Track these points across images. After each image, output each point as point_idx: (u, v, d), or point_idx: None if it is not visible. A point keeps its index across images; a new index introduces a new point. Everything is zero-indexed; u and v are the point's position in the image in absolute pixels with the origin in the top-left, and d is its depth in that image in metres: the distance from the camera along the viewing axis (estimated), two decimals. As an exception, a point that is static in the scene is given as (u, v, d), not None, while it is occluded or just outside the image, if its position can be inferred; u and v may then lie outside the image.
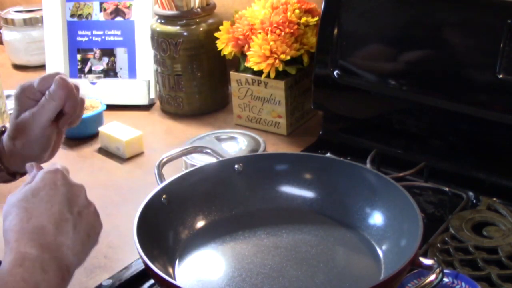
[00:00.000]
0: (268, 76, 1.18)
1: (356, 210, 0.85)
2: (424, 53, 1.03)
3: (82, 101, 0.84)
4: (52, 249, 0.62)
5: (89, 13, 1.49)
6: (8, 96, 1.28)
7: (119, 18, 1.47)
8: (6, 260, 0.60)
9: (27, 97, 0.81)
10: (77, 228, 0.67)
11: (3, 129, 0.86)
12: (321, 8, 1.12)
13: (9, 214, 0.64)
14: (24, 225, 0.63)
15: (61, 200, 0.67)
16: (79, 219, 0.68)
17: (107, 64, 1.46)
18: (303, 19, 1.19)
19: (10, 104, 1.15)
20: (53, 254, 0.62)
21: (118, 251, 0.92)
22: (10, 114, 0.85)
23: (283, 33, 1.16)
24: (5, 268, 0.59)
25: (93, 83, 1.42)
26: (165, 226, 0.82)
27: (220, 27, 1.26)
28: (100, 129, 1.23)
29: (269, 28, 1.17)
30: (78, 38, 1.49)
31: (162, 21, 1.31)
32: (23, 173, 0.86)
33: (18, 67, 1.71)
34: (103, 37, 1.47)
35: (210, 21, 1.31)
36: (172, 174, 0.87)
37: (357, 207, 0.85)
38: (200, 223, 0.86)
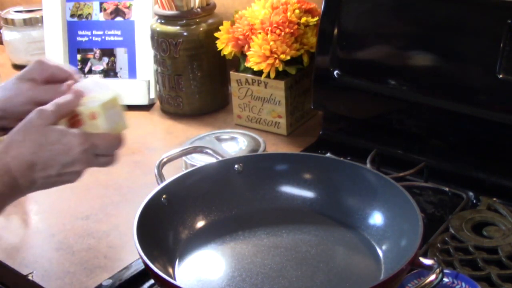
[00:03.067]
0: (268, 76, 1.18)
1: (356, 210, 0.85)
2: (424, 53, 1.03)
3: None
4: (27, 181, 0.73)
5: (89, 13, 1.49)
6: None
7: (119, 18, 1.47)
8: None
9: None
10: (51, 181, 0.75)
11: None
12: (321, 8, 1.12)
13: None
14: (21, 155, 0.71)
15: (60, 161, 0.73)
16: (59, 177, 0.75)
17: (107, 64, 1.46)
18: (303, 19, 1.19)
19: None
20: (24, 184, 0.73)
21: (118, 251, 0.92)
22: None
23: (283, 33, 1.16)
24: None
25: (93, 83, 1.42)
26: (165, 226, 0.82)
27: (220, 27, 1.26)
28: None
29: (269, 28, 1.17)
30: (78, 38, 1.49)
31: (162, 21, 1.31)
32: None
33: (18, 67, 1.70)
34: (103, 37, 1.47)
35: (210, 21, 1.31)
36: (172, 174, 0.87)
37: (357, 207, 0.85)
38: (200, 223, 0.86)
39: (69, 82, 0.79)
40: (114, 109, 0.77)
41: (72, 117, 0.75)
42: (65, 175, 0.75)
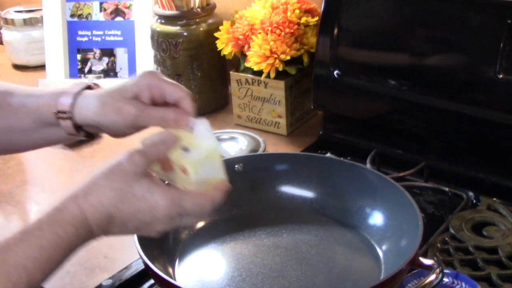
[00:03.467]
0: (268, 76, 1.18)
1: (356, 210, 0.85)
2: (424, 53, 1.03)
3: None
4: (103, 232, 0.64)
5: (89, 13, 1.49)
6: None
7: (119, 18, 1.47)
8: (65, 204, 0.61)
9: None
10: (128, 233, 0.66)
11: (91, 86, 0.76)
12: (321, 8, 1.12)
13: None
14: (101, 206, 0.62)
15: (142, 219, 0.65)
16: (136, 231, 0.67)
17: (107, 64, 1.47)
18: (303, 19, 1.19)
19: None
20: (100, 235, 0.64)
21: (118, 251, 0.92)
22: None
23: (283, 33, 1.16)
24: (60, 215, 0.60)
25: (93, 83, 1.42)
26: (165, 226, 0.82)
27: (220, 27, 1.26)
28: None
29: (269, 28, 1.17)
30: (78, 38, 1.49)
31: (162, 21, 1.31)
32: (90, 133, 0.76)
33: (18, 67, 1.70)
34: (103, 37, 1.47)
35: (210, 21, 1.31)
36: (172, 174, 0.86)
37: (357, 207, 0.85)
38: (200, 223, 0.86)
39: (177, 109, 0.70)
40: (210, 163, 0.67)
41: (164, 160, 0.67)
42: (143, 230, 0.66)
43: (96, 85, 0.76)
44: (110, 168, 0.64)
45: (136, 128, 0.71)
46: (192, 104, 0.71)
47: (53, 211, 0.61)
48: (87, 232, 0.62)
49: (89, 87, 0.74)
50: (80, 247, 0.62)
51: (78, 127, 0.73)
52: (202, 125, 0.69)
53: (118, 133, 0.73)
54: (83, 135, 0.74)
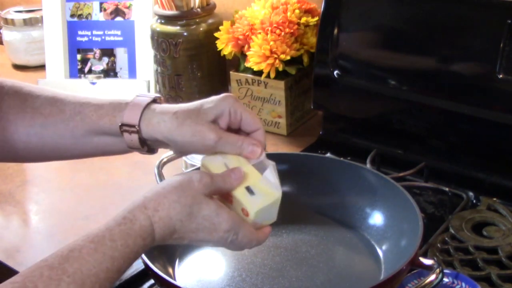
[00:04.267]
0: (268, 76, 1.18)
1: (356, 210, 0.85)
2: (424, 53, 1.03)
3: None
4: (164, 243, 0.65)
5: (89, 13, 1.49)
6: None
7: (119, 18, 1.47)
8: (136, 215, 0.62)
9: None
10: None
11: (156, 99, 0.73)
12: (321, 8, 1.12)
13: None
14: (169, 220, 0.63)
15: (200, 238, 0.66)
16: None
17: (107, 64, 1.46)
18: (303, 19, 1.19)
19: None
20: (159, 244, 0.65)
21: (118, 251, 0.92)
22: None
23: (283, 33, 1.16)
24: (131, 226, 0.61)
25: (93, 83, 1.42)
26: (165, 226, 0.81)
27: (220, 27, 1.26)
28: None
29: (269, 28, 1.17)
30: (78, 38, 1.49)
31: (162, 21, 1.31)
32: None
33: (18, 67, 1.70)
34: (103, 37, 1.47)
35: (210, 21, 1.31)
36: (172, 174, 0.86)
37: (357, 207, 0.85)
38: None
39: (252, 141, 0.69)
40: (270, 210, 0.68)
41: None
42: (193, 244, 0.68)
43: (160, 99, 0.73)
44: (181, 184, 0.64)
45: (209, 151, 0.70)
46: (265, 138, 0.72)
47: (124, 221, 0.61)
48: (151, 243, 0.63)
49: (154, 101, 0.72)
50: (139, 256, 0.64)
51: (143, 142, 0.72)
52: (271, 168, 0.70)
53: (186, 152, 0.74)
54: (146, 150, 0.73)
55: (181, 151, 0.74)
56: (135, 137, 0.71)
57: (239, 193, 0.67)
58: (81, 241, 0.59)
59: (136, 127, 0.70)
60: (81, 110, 0.73)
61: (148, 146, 0.73)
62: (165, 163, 0.88)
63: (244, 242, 0.67)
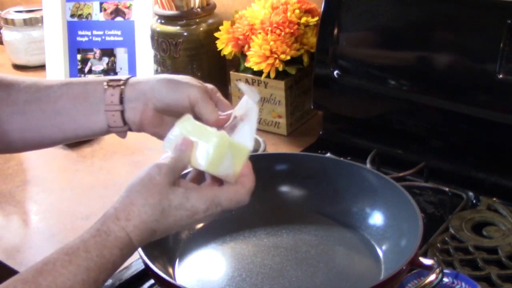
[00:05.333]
0: (268, 76, 1.18)
1: (356, 210, 0.85)
2: (424, 53, 1.03)
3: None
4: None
5: (89, 13, 1.49)
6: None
7: (119, 18, 1.47)
8: (110, 226, 0.63)
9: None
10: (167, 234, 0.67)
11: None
12: (321, 8, 1.12)
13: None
14: (143, 224, 0.64)
15: (182, 225, 0.66)
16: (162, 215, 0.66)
17: (107, 64, 1.46)
18: (303, 19, 1.19)
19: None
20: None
21: (118, 251, 0.92)
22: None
23: (283, 33, 1.16)
24: (107, 238, 0.62)
25: (93, 83, 1.42)
26: (165, 226, 0.81)
27: (220, 27, 1.26)
28: None
29: (269, 28, 1.17)
30: (78, 38, 1.49)
31: (162, 21, 1.31)
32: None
33: (18, 67, 1.70)
34: (103, 37, 1.47)
35: (210, 21, 1.31)
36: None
37: (357, 207, 0.85)
38: (200, 223, 0.86)
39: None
40: (220, 158, 0.67)
41: None
42: (185, 229, 0.70)
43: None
44: (143, 184, 0.64)
45: (188, 107, 0.72)
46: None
47: (98, 233, 0.62)
48: (130, 251, 0.63)
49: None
50: (122, 264, 0.64)
51: (121, 100, 0.74)
52: (245, 123, 0.73)
53: (163, 111, 0.74)
54: (120, 115, 0.74)
55: (158, 108, 0.74)
56: (117, 91, 0.73)
57: (194, 159, 0.67)
58: (56, 254, 0.59)
59: (123, 80, 0.74)
60: (68, 82, 0.77)
61: (123, 112, 0.74)
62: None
63: (233, 204, 0.67)
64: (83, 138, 0.81)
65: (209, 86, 0.76)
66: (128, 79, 0.75)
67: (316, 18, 1.20)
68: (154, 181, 0.64)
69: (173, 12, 1.30)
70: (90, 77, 0.80)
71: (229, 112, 0.73)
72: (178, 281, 0.76)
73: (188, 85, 0.73)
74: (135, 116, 0.75)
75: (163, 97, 0.73)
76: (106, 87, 0.74)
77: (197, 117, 0.72)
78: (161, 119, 0.75)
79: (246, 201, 0.68)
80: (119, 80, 0.75)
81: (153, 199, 0.63)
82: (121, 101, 0.74)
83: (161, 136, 0.73)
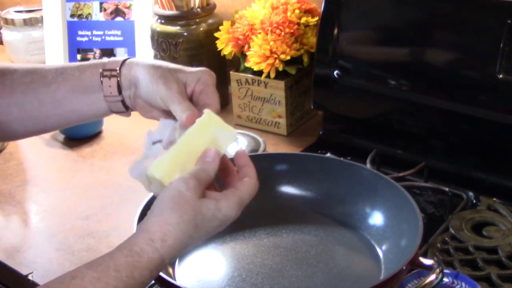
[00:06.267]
0: (268, 76, 1.18)
1: (356, 210, 0.85)
2: (424, 53, 1.03)
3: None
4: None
5: (89, 13, 1.49)
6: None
7: (119, 18, 1.47)
8: (142, 247, 0.61)
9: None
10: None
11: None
12: (321, 8, 1.12)
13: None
14: (179, 242, 0.62)
15: (209, 232, 0.66)
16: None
17: (107, 64, 1.46)
18: (303, 19, 1.19)
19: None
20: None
21: (118, 251, 0.92)
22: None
23: (283, 33, 1.16)
24: (138, 259, 0.60)
25: (93, 83, 1.42)
26: (165, 226, 0.81)
27: (220, 27, 1.26)
28: None
29: (269, 28, 1.17)
30: (78, 38, 1.49)
31: (162, 21, 1.31)
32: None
33: (18, 67, 1.70)
34: (103, 37, 1.48)
35: (210, 21, 1.31)
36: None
37: (357, 207, 0.85)
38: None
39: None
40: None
41: None
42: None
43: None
44: (174, 202, 0.63)
45: (161, 103, 0.72)
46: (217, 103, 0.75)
47: (130, 253, 0.60)
48: (159, 271, 0.62)
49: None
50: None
51: (120, 88, 0.75)
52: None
53: (148, 101, 0.74)
54: (121, 99, 0.76)
55: (146, 99, 0.75)
56: (114, 82, 0.74)
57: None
58: (84, 269, 0.58)
59: (117, 69, 0.74)
60: (63, 71, 0.77)
61: (123, 98, 0.75)
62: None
63: (252, 196, 0.68)
64: (87, 121, 0.82)
65: (198, 73, 0.75)
66: (122, 65, 0.75)
67: (316, 18, 1.20)
68: (185, 198, 0.63)
69: (173, 12, 1.30)
70: (85, 62, 0.79)
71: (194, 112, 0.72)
72: (178, 281, 0.76)
73: (159, 85, 0.72)
74: (131, 102, 0.76)
75: (144, 90, 0.74)
76: (102, 78, 0.75)
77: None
78: (151, 106, 0.76)
79: (257, 187, 0.69)
80: (114, 69, 0.75)
81: (187, 216, 0.62)
82: (120, 91, 0.75)
83: (156, 119, 0.75)
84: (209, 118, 0.69)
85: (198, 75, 0.75)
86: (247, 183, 0.67)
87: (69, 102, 0.76)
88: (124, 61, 0.76)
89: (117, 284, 0.58)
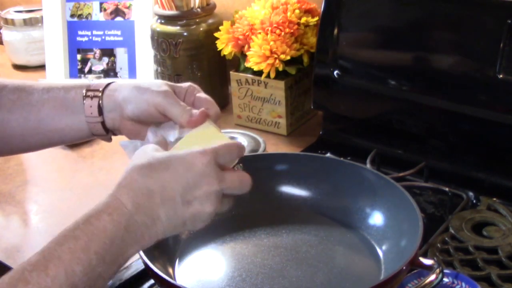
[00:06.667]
0: (268, 76, 1.18)
1: (356, 210, 0.85)
2: (424, 53, 1.03)
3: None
4: (147, 215, 0.61)
5: (89, 13, 1.49)
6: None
7: (119, 18, 1.47)
8: (100, 201, 0.61)
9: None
10: (178, 213, 0.63)
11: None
12: (321, 8, 1.12)
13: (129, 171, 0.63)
14: (134, 182, 0.61)
15: (182, 182, 0.62)
16: (186, 207, 0.63)
17: (107, 64, 1.47)
18: (303, 19, 1.19)
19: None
20: (144, 220, 0.61)
21: (118, 251, 0.92)
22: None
23: (283, 33, 1.16)
24: (96, 208, 0.60)
25: (93, 83, 1.42)
26: (165, 226, 0.81)
27: (220, 27, 1.26)
28: None
29: (269, 28, 1.17)
30: (78, 38, 1.49)
31: (162, 21, 1.31)
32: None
33: (18, 67, 1.71)
34: (103, 37, 1.48)
35: (210, 21, 1.31)
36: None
37: (357, 207, 0.85)
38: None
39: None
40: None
41: None
42: (193, 204, 0.63)
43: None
44: (133, 160, 0.64)
45: (155, 111, 0.72)
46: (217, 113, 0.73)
47: (88, 210, 0.61)
48: (122, 216, 0.60)
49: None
50: (129, 246, 0.60)
51: (100, 109, 0.75)
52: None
53: (137, 118, 0.74)
54: (101, 121, 0.76)
55: (133, 119, 0.75)
56: (95, 102, 0.75)
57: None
58: (53, 241, 0.60)
59: (100, 90, 0.75)
60: (49, 89, 0.77)
61: (104, 122, 0.76)
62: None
63: (231, 154, 0.66)
64: (69, 143, 0.82)
65: (184, 85, 0.75)
66: (106, 87, 0.76)
67: (316, 18, 1.20)
68: (143, 149, 0.65)
69: (173, 12, 1.30)
70: (73, 81, 0.80)
71: (202, 109, 0.72)
72: (178, 281, 0.76)
73: (150, 92, 0.72)
74: (114, 125, 0.76)
75: (133, 108, 0.74)
76: (84, 99, 0.76)
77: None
78: (140, 127, 0.76)
79: (241, 154, 0.67)
80: (97, 90, 0.76)
81: (139, 160, 0.63)
82: (100, 112, 0.75)
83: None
84: (208, 128, 0.69)
85: (185, 87, 0.75)
86: (229, 144, 0.67)
87: (51, 120, 0.77)
88: (109, 83, 0.76)
89: (75, 233, 0.59)
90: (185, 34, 1.29)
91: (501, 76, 0.94)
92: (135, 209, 0.60)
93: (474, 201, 0.96)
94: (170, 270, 0.77)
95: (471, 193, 0.97)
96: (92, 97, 0.75)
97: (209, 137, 0.69)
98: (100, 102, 0.75)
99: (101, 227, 0.59)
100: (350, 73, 1.10)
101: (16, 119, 0.77)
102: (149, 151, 0.65)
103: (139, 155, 0.64)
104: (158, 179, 0.61)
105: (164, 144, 0.70)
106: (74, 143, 1.21)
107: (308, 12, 1.22)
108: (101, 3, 1.48)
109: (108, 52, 1.47)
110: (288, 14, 1.18)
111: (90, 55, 1.48)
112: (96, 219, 0.59)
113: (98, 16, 1.48)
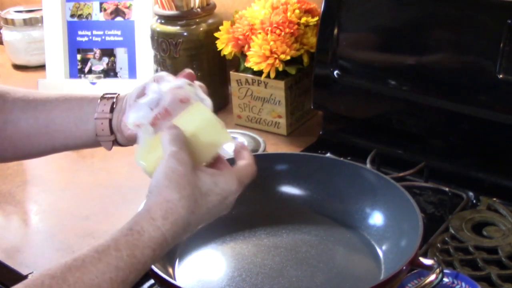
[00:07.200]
0: (268, 76, 1.18)
1: (356, 210, 0.85)
2: (424, 53, 1.03)
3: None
4: (175, 242, 0.63)
5: (89, 13, 1.49)
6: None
7: (119, 18, 1.47)
8: (144, 226, 0.60)
9: None
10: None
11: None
12: (321, 8, 1.12)
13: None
14: (180, 219, 0.62)
15: (214, 213, 0.66)
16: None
17: (107, 64, 1.46)
18: (303, 19, 1.19)
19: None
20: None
21: (118, 251, 0.92)
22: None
23: (283, 33, 1.16)
24: (140, 238, 0.59)
25: (93, 83, 1.42)
26: (165, 226, 0.81)
27: (220, 27, 1.26)
28: None
29: (269, 28, 1.17)
30: (78, 38, 1.49)
31: (162, 21, 1.31)
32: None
33: (18, 67, 1.70)
34: (103, 37, 1.47)
35: (210, 21, 1.31)
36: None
37: (357, 207, 0.85)
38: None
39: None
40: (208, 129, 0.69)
41: None
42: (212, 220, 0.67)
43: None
44: (169, 178, 0.62)
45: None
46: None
47: (130, 232, 0.59)
48: (163, 251, 0.61)
49: None
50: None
51: (112, 109, 0.78)
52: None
53: None
54: (109, 122, 0.77)
55: None
56: (109, 102, 0.78)
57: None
58: (86, 251, 0.58)
59: (118, 94, 0.79)
60: (67, 97, 0.80)
61: (111, 120, 0.77)
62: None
63: (250, 179, 0.69)
64: (71, 149, 0.82)
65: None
66: (120, 93, 0.79)
67: (316, 18, 1.20)
68: (178, 172, 0.62)
69: (173, 12, 1.30)
70: (90, 94, 0.82)
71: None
72: (178, 281, 0.76)
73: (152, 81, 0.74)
74: (118, 125, 0.77)
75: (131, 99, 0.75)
76: (99, 100, 0.78)
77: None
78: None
79: (255, 169, 0.69)
80: (115, 93, 0.79)
81: (186, 191, 0.62)
82: (111, 110, 0.77)
83: None
84: (198, 109, 0.70)
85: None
86: (244, 164, 0.69)
87: (60, 120, 0.79)
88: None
89: (118, 264, 0.57)
90: (185, 34, 1.29)
91: (501, 76, 0.94)
92: (172, 240, 0.62)
93: (474, 201, 0.96)
94: (170, 270, 0.77)
95: (471, 193, 0.97)
96: (108, 98, 0.78)
97: (197, 120, 0.69)
98: (114, 101, 0.78)
99: (143, 262, 0.59)
100: (350, 73, 1.10)
101: (26, 119, 0.78)
102: (188, 173, 0.63)
103: (178, 178, 0.62)
104: (199, 215, 0.63)
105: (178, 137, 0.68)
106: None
107: (308, 12, 1.22)
108: (101, 3, 1.48)
109: (108, 52, 1.47)
110: (288, 14, 1.18)
111: (90, 55, 1.48)
112: (140, 252, 0.59)
113: (98, 16, 1.48)
